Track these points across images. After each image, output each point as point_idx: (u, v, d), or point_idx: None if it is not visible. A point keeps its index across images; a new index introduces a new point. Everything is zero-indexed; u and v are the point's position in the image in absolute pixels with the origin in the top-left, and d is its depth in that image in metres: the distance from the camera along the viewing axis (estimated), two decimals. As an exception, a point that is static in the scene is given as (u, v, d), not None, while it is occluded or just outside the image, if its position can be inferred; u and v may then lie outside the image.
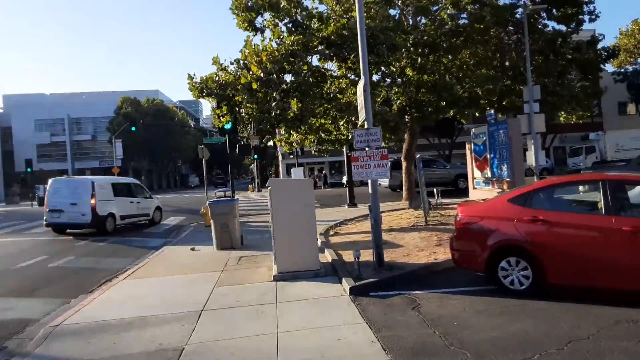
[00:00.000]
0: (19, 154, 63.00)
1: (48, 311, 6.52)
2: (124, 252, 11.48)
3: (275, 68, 12.60)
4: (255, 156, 46.17)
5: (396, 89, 15.58)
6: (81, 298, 7.11)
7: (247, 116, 13.97)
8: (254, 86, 12.61)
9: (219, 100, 14.04)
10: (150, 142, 60.95)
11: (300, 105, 13.75)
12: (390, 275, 6.78)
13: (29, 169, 38.89)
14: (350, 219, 13.93)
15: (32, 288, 7.91)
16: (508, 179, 11.25)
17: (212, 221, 10.62)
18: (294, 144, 15.91)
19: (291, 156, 43.48)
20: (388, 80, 16.18)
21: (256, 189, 45.36)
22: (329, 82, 14.64)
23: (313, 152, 18.31)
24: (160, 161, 69.60)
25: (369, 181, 7.39)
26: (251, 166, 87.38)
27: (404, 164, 18.75)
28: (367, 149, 7.27)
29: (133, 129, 41.97)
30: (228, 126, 14.62)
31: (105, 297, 6.93)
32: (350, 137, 16.85)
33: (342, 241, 10.19)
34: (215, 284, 7.21)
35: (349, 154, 21.19)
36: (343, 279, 6.67)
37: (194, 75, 13.69)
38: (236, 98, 13.87)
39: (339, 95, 14.71)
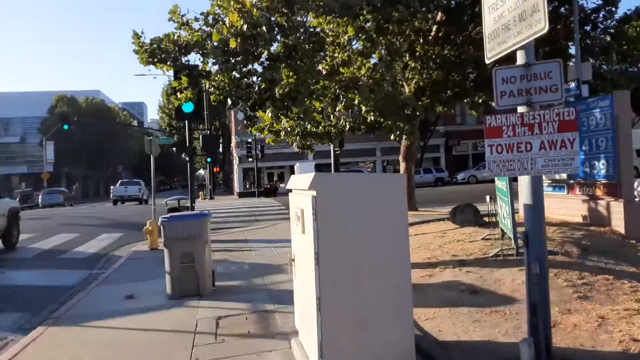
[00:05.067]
0: None
1: None
2: (14, 301, 6.97)
3: (264, 18, 8.53)
4: (209, 159, 41.44)
5: (412, 64, 11.85)
6: None
7: (217, 92, 9.76)
8: (232, 44, 8.47)
9: (177, 70, 9.77)
10: (87, 146, 54.56)
11: (294, 78, 9.75)
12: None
13: None
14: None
15: None
16: (606, 180, 7.74)
17: (166, 250, 6.36)
18: (282, 134, 11.77)
19: (250, 159, 39.05)
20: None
21: (207, 196, 40.75)
22: (330, 49, 10.74)
23: (295, 148, 14.24)
24: (98, 166, 62.84)
25: (524, 181, 3.49)
26: (199, 171, 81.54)
27: (402, 165, 15.12)
28: (524, 108, 3.38)
29: (65, 127, 36.09)
30: (188, 108, 10.32)
31: None
32: (347, 126, 13.01)
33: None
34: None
35: (337, 151, 17.32)
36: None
37: (142, 33, 9.37)
38: (203, 66, 9.71)
39: (342, 70, 10.81)
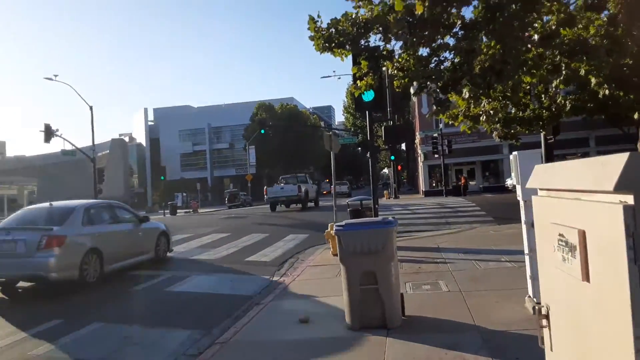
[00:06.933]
0: (165, 163, 65.80)
1: None
2: (188, 313, 6.59)
3: (457, -28, 6.77)
4: (392, 157, 40.46)
5: None
6: None
7: (400, 74, 8.29)
8: (419, 9, 6.90)
9: (356, 54, 8.63)
10: (283, 148, 58.88)
11: (497, 48, 7.69)
12: None
13: (162, 177, 38.15)
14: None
15: None
16: None
17: (342, 267, 5.11)
18: (482, 118, 9.68)
19: (436, 155, 36.75)
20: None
21: (392, 195, 39.78)
22: (546, 6, 8.31)
23: (496, 138, 11.89)
24: (293, 167, 67.64)
25: None
26: (383, 170, 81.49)
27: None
28: None
29: (262, 131, 39.19)
30: (369, 97, 9.11)
31: None
32: (568, 106, 10.22)
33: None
34: None
35: (549, 139, 14.07)
36: None
37: (319, 17, 8.45)
38: (384, 48, 8.36)
39: (562, 31, 8.27)
